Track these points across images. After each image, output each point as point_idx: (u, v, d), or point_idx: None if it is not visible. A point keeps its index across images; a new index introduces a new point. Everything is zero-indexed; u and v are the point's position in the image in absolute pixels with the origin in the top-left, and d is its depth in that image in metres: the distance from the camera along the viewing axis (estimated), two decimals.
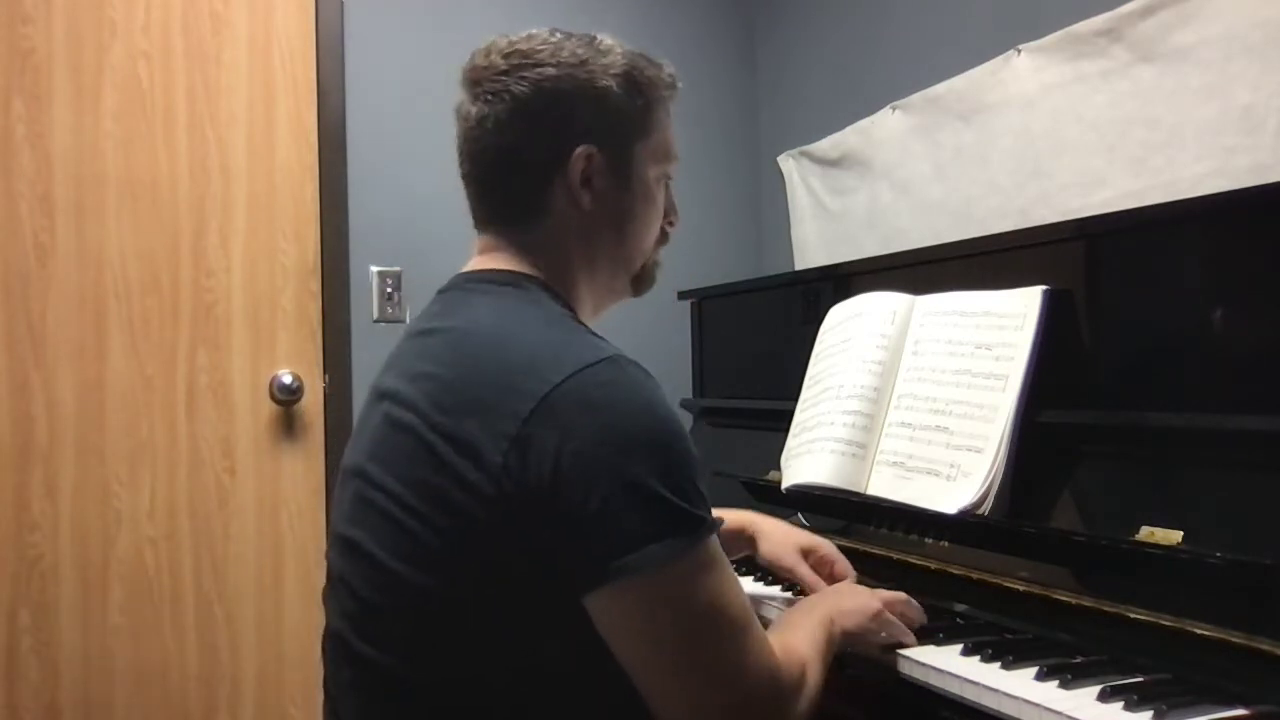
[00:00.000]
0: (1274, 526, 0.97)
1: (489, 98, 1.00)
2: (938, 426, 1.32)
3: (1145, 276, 1.23)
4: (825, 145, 2.55)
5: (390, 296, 2.45)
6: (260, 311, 2.32)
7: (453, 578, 0.88)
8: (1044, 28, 1.90)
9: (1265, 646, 0.90)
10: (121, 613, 2.18)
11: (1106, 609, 1.05)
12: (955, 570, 1.26)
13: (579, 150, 1.00)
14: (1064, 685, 0.95)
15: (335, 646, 0.98)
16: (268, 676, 2.30)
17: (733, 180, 2.87)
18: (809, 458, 1.48)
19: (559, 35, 1.03)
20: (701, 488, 0.88)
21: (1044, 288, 1.26)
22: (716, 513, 0.90)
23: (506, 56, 1.01)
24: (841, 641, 1.05)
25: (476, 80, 1.02)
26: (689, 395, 2.16)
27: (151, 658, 2.20)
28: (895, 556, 1.34)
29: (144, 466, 2.21)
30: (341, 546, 0.98)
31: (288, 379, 2.31)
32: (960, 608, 1.23)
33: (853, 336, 1.52)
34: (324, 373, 2.37)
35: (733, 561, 0.98)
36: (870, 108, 2.38)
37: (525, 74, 0.99)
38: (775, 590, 1.38)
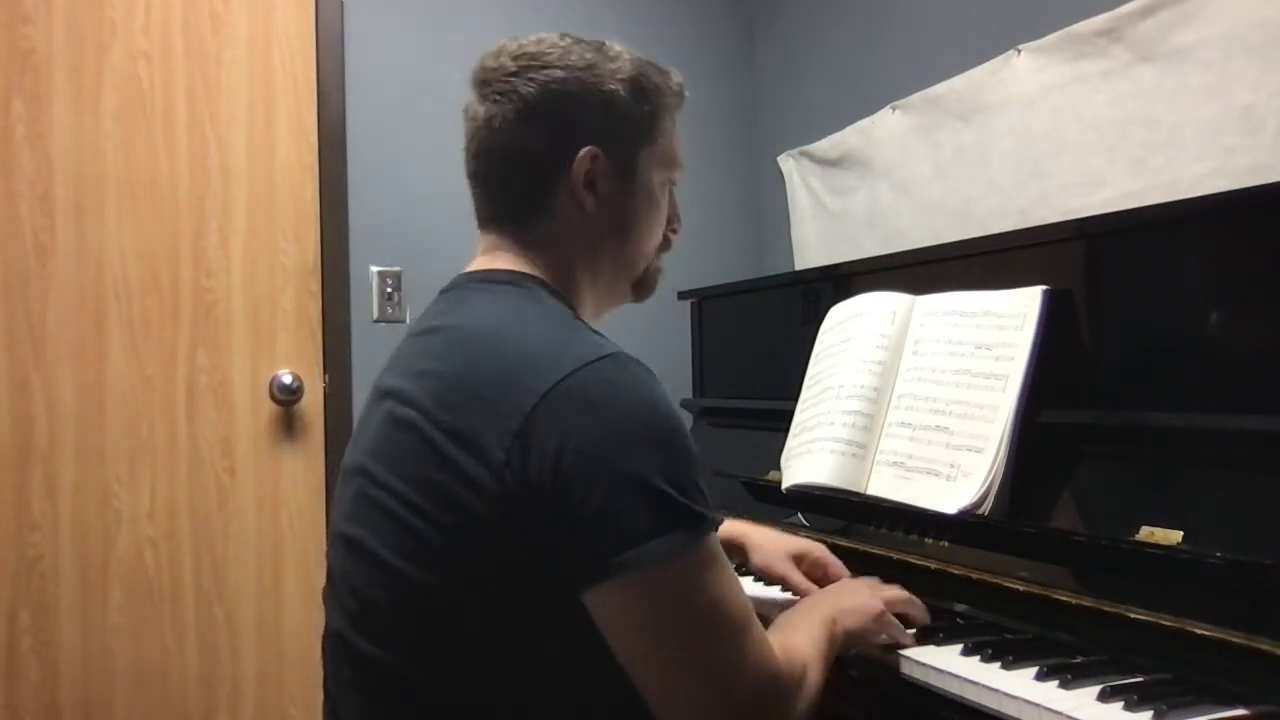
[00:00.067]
0: (1274, 526, 0.97)
1: (497, 98, 1.01)
2: (938, 426, 1.32)
3: (1145, 276, 1.23)
4: (825, 145, 2.55)
5: (390, 296, 2.45)
6: (260, 311, 2.32)
7: (455, 575, 0.88)
8: (1044, 28, 1.90)
9: (1265, 646, 0.90)
10: (121, 613, 2.18)
11: (1106, 609, 1.05)
12: (955, 570, 1.26)
13: (584, 151, 1.01)
14: (1064, 685, 0.95)
15: (335, 646, 0.98)
16: (268, 676, 2.30)
17: (733, 180, 2.87)
18: (809, 458, 1.48)
19: (568, 39, 1.04)
20: (702, 485, 0.88)
21: (1044, 288, 1.27)
22: None
23: (516, 58, 1.02)
24: (843, 642, 1.05)
25: (485, 81, 1.03)
26: (689, 395, 2.16)
27: (151, 658, 2.20)
28: (895, 556, 1.34)
29: (144, 466, 2.21)
30: (342, 545, 0.98)
31: (288, 379, 2.31)
32: (960, 608, 1.23)
33: (853, 336, 1.52)
34: (324, 373, 2.37)
35: None
36: (870, 108, 2.38)
37: (533, 75, 1.00)
38: (774, 592, 1.37)
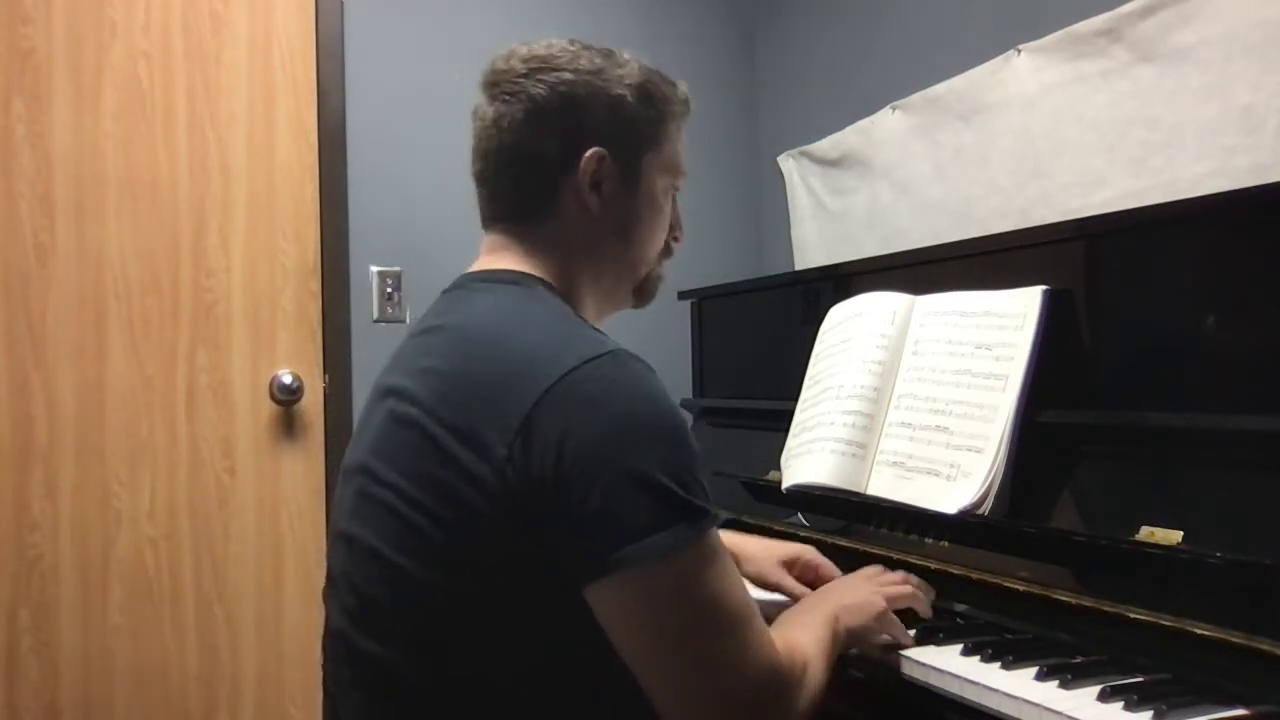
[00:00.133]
0: (1274, 526, 0.97)
1: (506, 98, 1.03)
2: (938, 426, 1.32)
3: (1145, 276, 1.23)
4: (825, 145, 2.55)
5: (390, 296, 2.44)
6: (260, 311, 2.32)
7: (456, 572, 0.88)
8: (1044, 28, 1.90)
9: (1265, 646, 0.90)
10: (121, 613, 2.18)
11: (1106, 609, 1.05)
12: (955, 570, 1.26)
13: (590, 152, 1.02)
14: (1064, 685, 0.95)
15: (336, 645, 0.99)
16: (268, 676, 2.30)
17: (733, 180, 2.87)
18: (809, 458, 1.48)
19: (578, 45, 1.06)
20: (704, 480, 0.89)
21: (1044, 288, 1.26)
22: None
23: (526, 61, 1.03)
24: (845, 640, 1.05)
25: (495, 82, 1.04)
26: (689, 395, 2.16)
27: (151, 658, 2.20)
28: (895, 556, 1.34)
29: (144, 466, 2.21)
30: (343, 544, 0.98)
31: (288, 379, 2.31)
32: (960, 608, 1.23)
33: (853, 336, 1.52)
34: (324, 373, 2.37)
35: None
36: (870, 108, 2.38)
37: (543, 77, 1.02)
38: (774, 594, 1.37)
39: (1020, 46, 1.95)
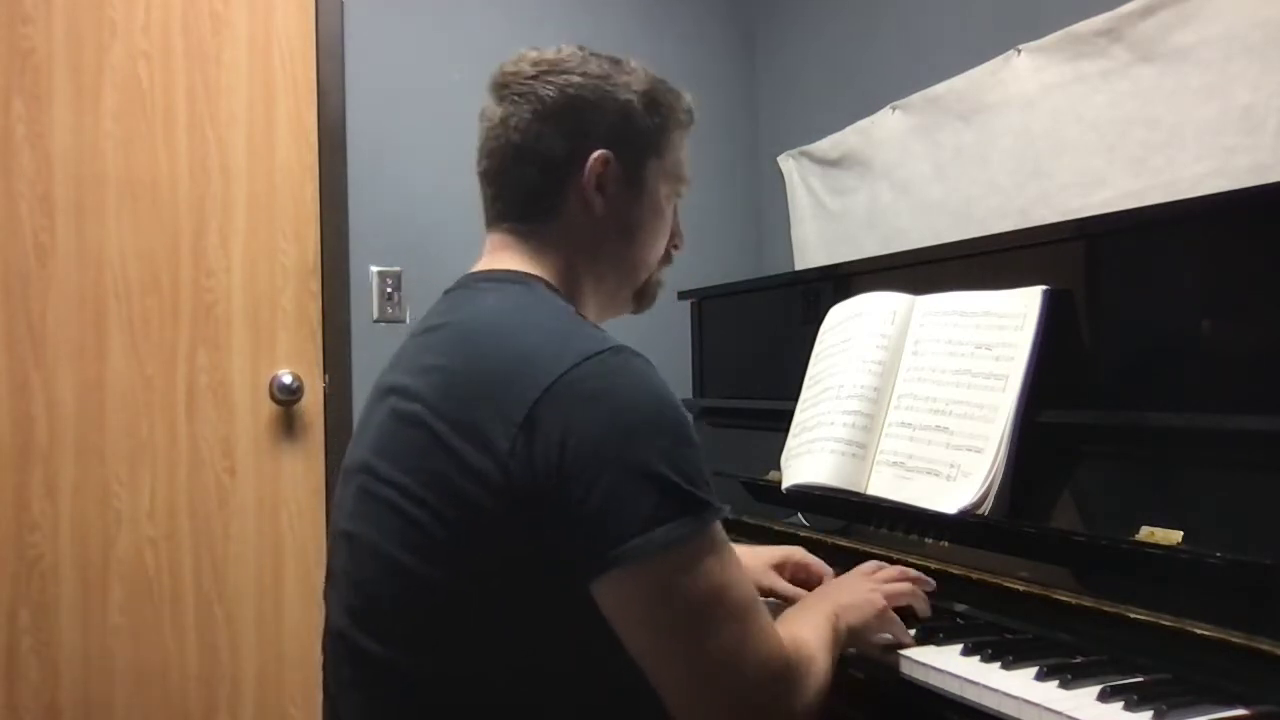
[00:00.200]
0: (1274, 526, 0.97)
1: (515, 99, 1.04)
2: (938, 426, 1.32)
3: (1145, 276, 1.23)
4: (825, 145, 2.55)
5: (390, 296, 2.44)
6: (260, 311, 2.32)
7: (458, 569, 0.88)
8: (1044, 28, 1.90)
9: (1265, 646, 0.90)
10: (121, 613, 2.18)
11: (1106, 609, 1.05)
12: (955, 570, 1.26)
13: (596, 154, 1.03)
14: (1064, 685, 0.95)
15: (336, 644, 0.98)
16: (268, 676, 2.30)
17: (733, 180, 2.87)
18: (809, 458, 1.48)
19: (586, 50, 1.07)
20: (706, 474, 0.89)
21: (1044, 288, 1.27)
22: None
23: (535, 64, 1.05)
24: (846, 638, 1.05)
25: (504, 84, 1.06)
26: (689, 395, 2.16)
27: (151, 658, 2.20)
28: (895, 556, 1.34)
29: (144, 466, 2.21)
30: (344, 542, 0.98)
31: (288, 379, 2.31)
32: (960, 608, 1.23)
33: (853, 336, 1.52)
34: (324, 373, 2.37)
35: None
36: (870, 108, 2.38)
37: (552, 79, 1.03)
38: (768, 597, 1.37)
39: (1020, 46, 1.95)
